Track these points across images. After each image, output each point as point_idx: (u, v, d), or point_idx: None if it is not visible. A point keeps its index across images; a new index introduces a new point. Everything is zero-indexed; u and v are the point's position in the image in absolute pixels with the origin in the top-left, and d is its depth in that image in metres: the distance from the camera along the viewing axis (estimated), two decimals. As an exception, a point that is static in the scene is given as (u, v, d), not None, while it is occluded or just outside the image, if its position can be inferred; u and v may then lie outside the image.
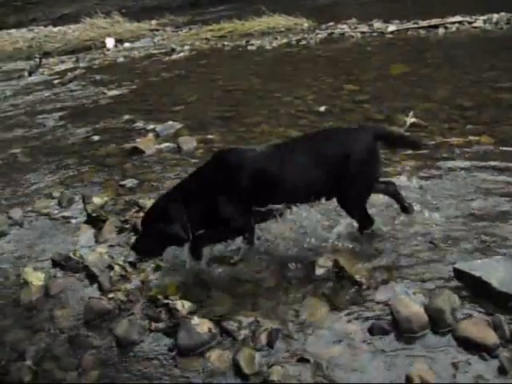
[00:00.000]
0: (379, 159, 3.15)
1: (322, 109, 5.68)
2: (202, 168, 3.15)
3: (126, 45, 14.97)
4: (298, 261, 3.02)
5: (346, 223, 3.21)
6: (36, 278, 3.19)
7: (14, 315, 2.96)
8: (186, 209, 2.93)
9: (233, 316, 2.58)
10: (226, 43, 11.93)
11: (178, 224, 2.90)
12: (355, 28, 11.28)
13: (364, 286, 2.70)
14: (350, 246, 3.07)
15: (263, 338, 2.42)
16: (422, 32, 10.00)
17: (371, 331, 2.39)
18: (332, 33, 11.22)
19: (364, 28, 11.08)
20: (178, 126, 5.76)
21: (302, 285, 2.79)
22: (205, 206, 2.95)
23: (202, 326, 2.47)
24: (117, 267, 3.11)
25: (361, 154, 3.02)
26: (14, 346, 2.67)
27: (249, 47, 10.95)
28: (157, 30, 16.93)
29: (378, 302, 2.58)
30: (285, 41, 11.03)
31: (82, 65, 12.33)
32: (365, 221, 3.17)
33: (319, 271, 2.84)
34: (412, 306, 2.38)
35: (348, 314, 2.52)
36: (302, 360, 2.27)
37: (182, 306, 2.65)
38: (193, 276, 3.00)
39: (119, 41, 15.46)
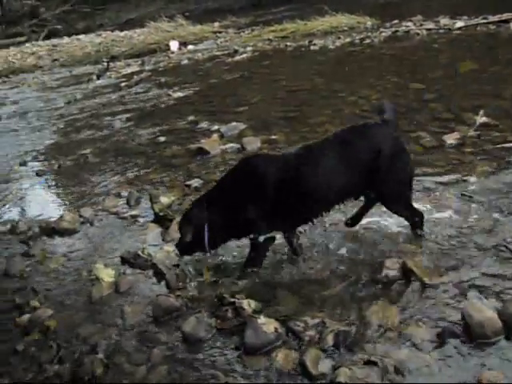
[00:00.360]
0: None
1: (388, 108, 5.56)
2: (227, 175, 3.19)
3: (190, 47, 15.21)
4: (364, 262, 2.98)
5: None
6: (106, 275, 3.29)
7: (86, 310, 3.07)
8: (210, 214, 2.98)
9: (299, 316, 2.57)
10: (288, 44, 11.91)
11: (193, 232, 2.99)
12: (421, 25, 10.99)
13: (433, 289, 2.63)
14: (419, 247, 3.00)
15: (330, 339, 2.40)
16: (492, 27, 9.61)
17: (441, 335, 2.32)
18: (396, 31, 10.98)
19: (430, 25, 10.78)
20: (242, 126, 5.80)
21: (369, 286, 2.75)
22: (227, 213, 2.98)
23: (269, 325, 2.48)
24: (184, 265, 3.17)
25: (391, 147, 2.98)
26: (86, 340, 2.77)
27: (311, 47, 10.89)
28: (219, 32, 17.09)
29: (448, 306, 2.50)
30: (348, 40, 10.89)
31: (147, 68, 12.63)
32: (413, 217, 3.09)
33: (387, 273, 2.79)
34: (485, 311, 2.29)
35: (417, 317, 2.46)
36: (370, 363, 2.23)
37: (249, 305, 2.66)
38: (259, 276, 3.01)
39: (183, 43, 15.71)
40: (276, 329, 2.47)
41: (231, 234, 3.09)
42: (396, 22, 12.02)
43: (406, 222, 3.16)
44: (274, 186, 2.90)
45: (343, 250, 3.14)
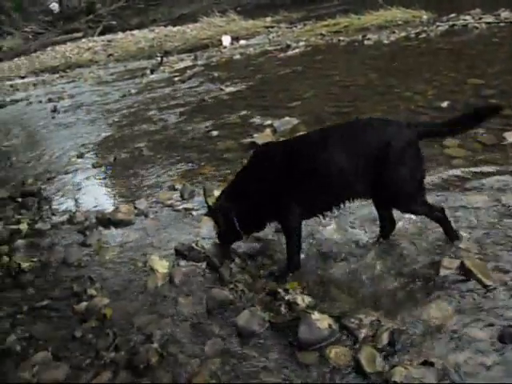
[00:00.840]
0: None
1: (445, 104, 5.43)
2: (246, 163, 3.29)
3: (242, 42, 15.24)
4: (420, 260, 2.92)
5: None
6: (161, 266, 3.35)
7: (141, 300, 3.12)
8: (236, 202, 3.15)
9: (353, 314, 2.55)
10: (341, 38, 11.76)
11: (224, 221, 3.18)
12: (480, 19, 10.63)
13: (493, 291, 2.56)
14: (478, 247, 2.92)
15: (385, 338, 2.37)
16: (557, 20, 9.26)
17: (501, 338, 2.25)
18: (454, 24, 10.67)
19: (489, 18, 10.42)
20: (295, 121, 5.76)
21: (426, 286, 2.69)
22: (251, 198, 3.10)
23: (323, 321, 2.46)
24: (237, 259, 3.19)
25: (402, 142, 2.84)
26: (141, 329, 2.82)
27: (365, 42, 10.71)
28: (272, 27, 17.05)
29: (508, 308, 2.43)
30: (403, 34, 10.67)
31: (200, 62, 12.73)
32: (432, 213, 2.99)
33: (444, 272, 2.73)
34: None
35: (475, 319, 2.40)
36: (426, 363, 2.19)
37: (302, 300, 2.66)
38: (312, 272, 2.99)
39: (235, 38, 15.77)
40: (330, 325, 2.46)
41: (260, 219, 3.19)
42: (453, 15, 11.69)
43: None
44: (285, 168, 2.99)
45: (397, 248, 3.09)
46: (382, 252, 3.07)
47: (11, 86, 15.81)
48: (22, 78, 18.11)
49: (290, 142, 3.42)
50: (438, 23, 11.19)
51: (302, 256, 3.10)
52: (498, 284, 2.59)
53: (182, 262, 3.40)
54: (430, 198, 3.18)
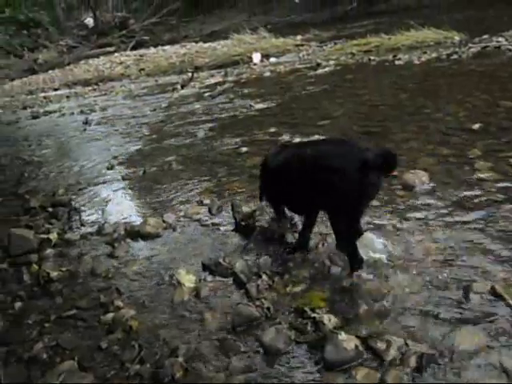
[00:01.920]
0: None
1: (476, 126, 5.37)
2: None
3: (272, 60, 15.36)
4: (450, 283, 2.88)
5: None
6: (188, 280, 3.37)
7: (167, 313, 3.14)
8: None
9: (380, 335, 2.51)
10: (372, 58, 11.77)
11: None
12: (513, 41, 10.58)
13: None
14: (509, 271, 2.87)
15: (412, 361, 2.35)
16: None
17: (534, 367, 2.21)
18: (486, 46, 10.59)
19: (523, 41, 10.36)
20: (324, 140, 5.77)
21: (456, 310, 2.65)
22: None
23: (349, 342, 2.45)
24: (264, 276, 3.19)
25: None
26: (167, 342, 2.83)
27: (396, 62, 10.70)
28: (302, 45, 17.15)
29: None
30: (434, 55, 10.63)
31: (230, 79, 12.85)
32: (351, 258, 3.06)
33: (474, 296, 2.68)
34: None
35: (507, 346, 2.35)
36: (454, 390, 2.16)
37: (329, 320, 2.64)
38: (340, 291, 2.97)
39: (265, 56, 15.90)
40: (357, 346, 2.44)
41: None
42: (486, 37, 11.62)
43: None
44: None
45: (426, 269, 3.05)
46: (411, 273, 3.03)
47: (45, 97, 16.17)
48: (56, 90, 18.52)
49: None
50: (470, 45, 11.13)
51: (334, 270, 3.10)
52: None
53: (209, 277, 3.41)
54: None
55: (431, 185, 4.21)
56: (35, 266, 4.06)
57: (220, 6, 42.52)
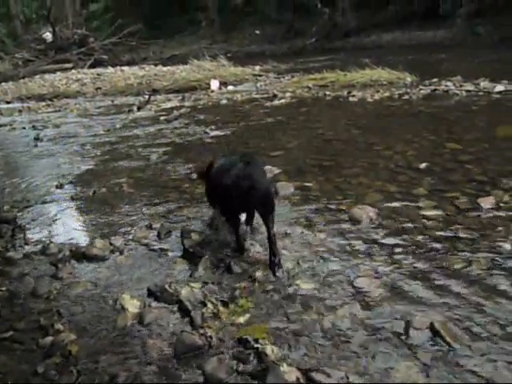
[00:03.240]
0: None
1: (423, 166, 5.57)
2: None
3: (230, 88, 15.53)
4: (392, 317, 2.95)
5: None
6: (132, 305, 3.32)
7: (108, 338, 3.08)
8: None
9: (321, 368, 2.55)
10: (327, 93, 12.05)
11: None
12: (460, 86, 11.04)
13: (461, 354, 2.59)
14: (447, 309, 2.97)
15: (351, 395, 2.38)
16: (535, 94, 9.62)
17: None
18: (435, 89, 11.04)
19: (469, 86, 10.82)
20: (277, 171, 5.85)
21: (395, 344, 2.71)
22: None
23: (291, 374, 2.47)
24: (209, 304, 3.18)
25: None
26: (106, 369, 2.77)
27: (350, 98, 11.00)
28: (260, 76, 17.43)
29: (474, 374, 2.46)
30: (387, 94, 10.99)
31: (187, 104, 12.89)
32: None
33: (414, 332, 2.76)
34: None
35: (442, 380, 2.43)
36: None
37: (272, 351, 2.65)
38: (284, 322, 3.00)
39: (223, 83, 16.06)
40: (298, 378, 2.46)
41: None
42: (435, 80, 12.11)
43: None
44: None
45: (374, 304, 3.12)
46: (355, 305, 3.09)
47: (-4, 110, 15.77)
48: (8, 102, 18.10)
49: None
50: (420, 86, 11.57)
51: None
52: (465, 348, 2.62)
53: (154, 303, 3.37)
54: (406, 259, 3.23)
55: (377, 220, 4.33)
56: (-27, 285, 3.92)
57: (181, 31, 42.76)
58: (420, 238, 3.95)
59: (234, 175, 3.64)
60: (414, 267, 3.51)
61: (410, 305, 3.06)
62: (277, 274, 3.55)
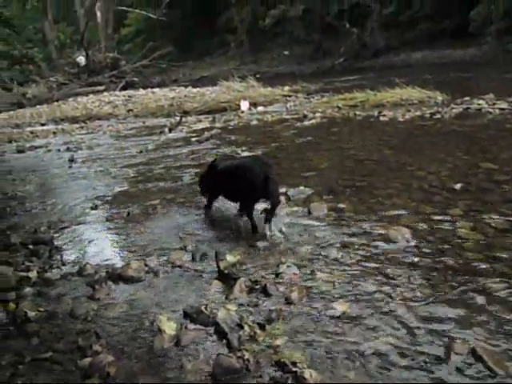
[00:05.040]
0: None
1: (458, 186, 5.51)
2: None
3: (260, 108, 15.64)
4: (429, 341, 2.90)
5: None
6: (168, 327, 3.34)
7: (145, 360, 3.09)
8: None
9: (361, 393, 2.52)
10: (357, 113, 12.05)
11: None
12: (493, 104, 10.92)
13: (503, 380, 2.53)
14: (490, 334, 2.91)
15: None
16: None
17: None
18: (468, 108, 10.94)
19: (503, 104, 10.69)
20: (309, 191, 5.84)
21: (437, 370, 2.66)
22: None
23: (330, 399, 2.44)
24: (246, 327, 3.18)
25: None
26: (144, 392, 2.79)
27: (381, 118, 10.97)
28: (289, 96, 17.53)
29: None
30: (418, 113, 10.93)
31: (217, 125, 13.02)
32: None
33: (454, 357, 2.71)
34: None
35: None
36: None
37: (310, 375, 2.63)
38: (322, 345, 2.97)
39: (253, 104, 16.19)
40: (336, 403, 2.43)
41: None
42: (467, 98, 12.01)
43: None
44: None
45: (406, 327, 3.07)
46: (392, 330, 3.05)
47: (31, 132, 16.19)
48: (43, 125, 18.58)
49: None
50: (452, 105, 11.48)
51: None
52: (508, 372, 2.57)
53: (190, 325, 3.38)
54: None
55: (413, 242, 4.28)
56: (12, 305, 3.98)
57: (211, 53, 43.41)
58: (457, 259, 3.90)
59: (258, 174, 4.68)
60: (452, 289, 3.46)
61: (449, 329, 3.01)
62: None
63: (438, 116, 10.40)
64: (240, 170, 4.99)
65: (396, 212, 4.99)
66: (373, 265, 3.96)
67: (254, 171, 4.75)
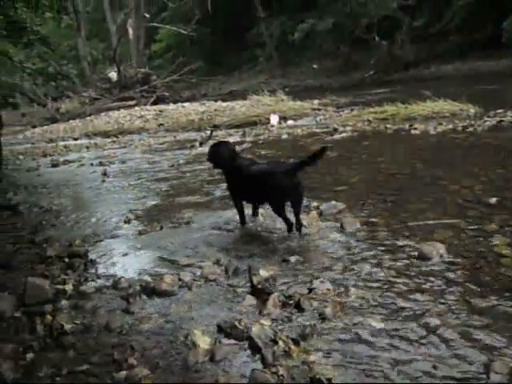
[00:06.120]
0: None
1: (493, 201, 5.42)
2: None
3: (290, 122, 15.67)
4: (466, 359, 2.86)
5: None
6: (203, 342, 3.35)
7: (180, 374, 3.11)
8: None
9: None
10: (388, 126, 11.98)
11: None
12: (528, 116, 10.77)
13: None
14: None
15: None
16: None
17: None
18: (501, 120, 10.78)
19: (539, 116, 10.54)
20: (341, 206, 5.81)
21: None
22: None
23: (367, 416, 2.42)
24: (280, 342, 3.18)
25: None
26: (179, 407, 2.81)
27: (412, 131, 10.90)
28: (319, 110, 17.53)
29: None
30: (450, 126, 10.81)
31: (248, 139, 13.08)
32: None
33: (495, 377, 2.66)
34: None
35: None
36: None
37: (346, 392, 2.62)
38: (356, 361, 2.95)
39: (283, 118, 16.23)
40: (375, 422, 2.41)
41: None
42: (500, 111, 11.84)
43: None
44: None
45: (446, 344, 3.03)
46: (430, 346, 3.01)
47: (65, 146, 16.51)
48: (76, 139, 18.95)
49: None
50: (485, 118, 11.33)
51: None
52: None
53: (224, 340, 3.39)
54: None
55: (448, 257, 4.23)
56: (49, 317, 4.05)
57: (240, 67, 43.76)
58: (494, 276, 3.83)
59: (292, 177, 5.02)
60: (488, 307, 3.40)
61: (487, 348, 2.95)
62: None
63: (471, 129, 10.28)
64: (271, 172, 5.19)
65: (429, 227, 4.94)
66: (407, 280, 3.92)
67: (286, 171, 5.03)
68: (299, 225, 5.15)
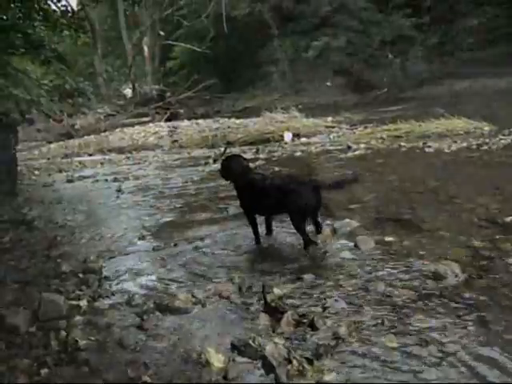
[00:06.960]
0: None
1: (509, 219, 5.38)
2: None
3: (303, 139, 15.71)
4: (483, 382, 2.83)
5: None
6: (217, 360, 3.34)
7: (194, 393, 3.11)
8: None
9: None
10: (402, 143, 11.97)
11: None
12: (544, 135, 10.71)
13: None
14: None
15: None
16: None
17: None
18: (516, 139, 10.74)
19: (556, 134, 10.48)
20: (355, 224, 5.80)
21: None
22: None
23: None
24: (294, 361, 3.16)
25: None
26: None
27: (426, 149, 10.87)
28: (333, 127, 17.56)
29: None
30: (464, 144, 10.78)
31: (261, 156, 13.13)
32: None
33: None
34: None
35: None
36: None
37: (362, 414, 2.60)
38: (369, 383, 2.93)
39: (296, 135, 16.28)
40: None
41: None
42: (515, 129, 11.79)
43: None
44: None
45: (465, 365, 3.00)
46: (446, 367, 2.98)
47: (80, 162, 16.66)
48: (90, 155, 19.12)
49: None
50: (500, 136, 11.27)
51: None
52: None
53: (238, 358, 3.38)
54: None
55: (463, 277, 4.19)
56: (63, 333, 4.06)
57: (253, 83, 43.99)
58: (510, 296, 3.79)
59: (313, 192, 5.20)
60: (506, 330, 3.36)
61: (506, 371, 2.91)
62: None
63: (486, 147, 10.24)
64: (294, 185, 5.27)
65: (444, 246, 4.91)
66: (422, 300, 3.89)
67: (309, 185, 5.24)
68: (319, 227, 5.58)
